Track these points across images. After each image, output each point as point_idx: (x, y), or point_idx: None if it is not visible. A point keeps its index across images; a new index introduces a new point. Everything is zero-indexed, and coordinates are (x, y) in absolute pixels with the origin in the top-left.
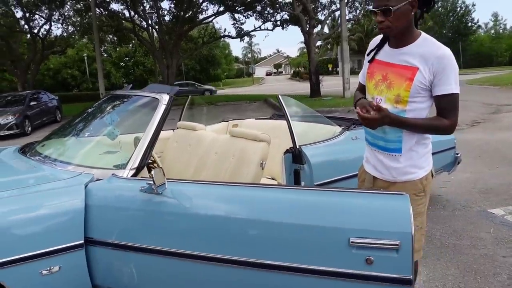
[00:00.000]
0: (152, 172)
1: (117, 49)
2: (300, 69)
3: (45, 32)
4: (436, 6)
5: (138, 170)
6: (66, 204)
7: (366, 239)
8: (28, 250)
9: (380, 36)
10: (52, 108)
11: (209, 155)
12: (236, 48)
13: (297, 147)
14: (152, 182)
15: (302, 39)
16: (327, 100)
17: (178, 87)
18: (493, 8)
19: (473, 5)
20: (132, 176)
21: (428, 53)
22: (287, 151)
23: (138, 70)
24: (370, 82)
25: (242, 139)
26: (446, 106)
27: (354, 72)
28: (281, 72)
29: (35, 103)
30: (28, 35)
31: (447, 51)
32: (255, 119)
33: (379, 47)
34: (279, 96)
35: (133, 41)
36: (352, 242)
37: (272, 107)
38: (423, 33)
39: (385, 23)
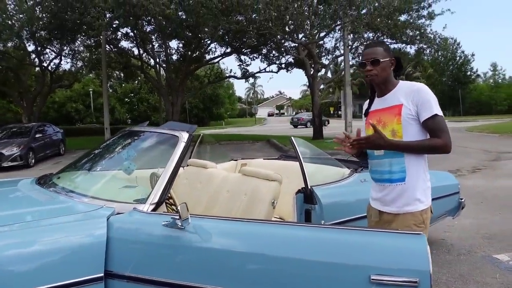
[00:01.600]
0: (179, 207)
1: (123, 85)
2: (302, 111)
3: (54, 66)
4: (436, 54)
5: (158, 205)
6: (88, 237)
7: (386, 276)
8: (49, 282)
9: (368, 100)
10: (57, 141)
11: (221, 193)
12: (240, 88)
13: (309, 187)
14: (177, 217)
15: (305, 81)
16: (329, 143)
17: (196, 125)
18: (492, 59)
19: (473, 55)
20: (152, 210)
21: (407, 90)
22: (299, 191)
23: (143, 107)
24: (368, 130)
25: (254, 178)
26: (434, 126)
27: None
28: (283, 113)
29: (40, 135)
30: (38, 68)
31: (422, 85)
32: (264, 159)
33: (370, 102)
34: (292, 138)
35: (139, 78)
36: (373, 279)
37: (275, 147)
38: (400, 81)
39: (373, 72)
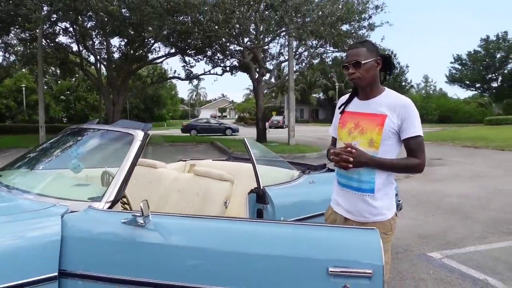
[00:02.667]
0: (141, 204)
1: (59, 82)
2: (245, 114)
3: None
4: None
5: (114, 203)
6: (41, 235)
7: (343, 268)
8: (1, 282)
9: (347, 95)
10: None
11: (172, 193)
12: (183, 89)
13: (261, 187)
14: (138, 214)
15: (248, 85)
16: (273, 146)
17: (151, 124)
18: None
19: (407, 66)
20: (107, 209)
21: (394, 103)
22: (251, 191)
23: (80, 105)
24: (342, 130)
25: (206, 178)
26: (414, 147)
27: (297, 120)
28: (226, 116)
29: None
30: None
31: (409, 101)
32: (212, 160)
33: (348, 101)
34: (245, 139)
35: (77, 75)
36: (331, 271)
37: (219, 150)
38: (386, 88)
39: (356, 74)
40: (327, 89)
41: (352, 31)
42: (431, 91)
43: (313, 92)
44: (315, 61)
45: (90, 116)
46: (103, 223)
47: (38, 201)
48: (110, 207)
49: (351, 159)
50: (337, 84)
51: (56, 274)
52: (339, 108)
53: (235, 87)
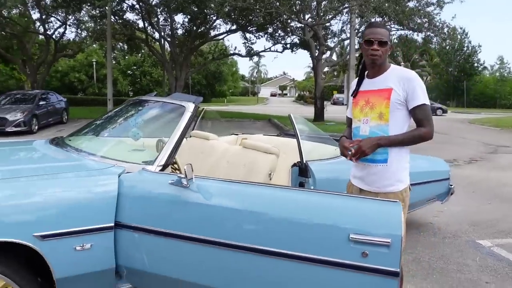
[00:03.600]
0: (185, 167)
1: (126, 57)
2: (305, 92)
3: (59, 35)
4: (444, 43)
5: (164, 167)
6: (101, 191)
7: (363, 236)
8: (66, 227)
9: (356, 80)
10: (60, 109)
11: (221, 163)
12: (243, 66)
13: (304, 161)
14: (183, 176)
15: (310, 63)
16: (329, 126)
17: (201, 97)
18: (499, 52)
19: (479, 46)
20: (158, 171)
21: (399, 76)
22: (294, 165)
23: (145, 80)
24: (355, 109)
25: (253, 150)
26: (420, 116)
27: None
28: (286, 94)
29: (44, 103)
30: (42, 36)
31: (413, 73)
32: (263, 135)
33: (359, 83)
34: (291, 115)
35: (143, 51)
36: (352, 237)
37: (275, 127)
38: (392, 65)
39: (379, 52)
40: None
41: (419, 8)
42: (505, 74)
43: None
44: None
45: (154, 90)
46: (154, 183)
47: (100, 162)
48: (161, 170)
49: (365, 150)
50: (402, 63)
51: (112, 224)
52: (351, 94)
53: (297, 64)
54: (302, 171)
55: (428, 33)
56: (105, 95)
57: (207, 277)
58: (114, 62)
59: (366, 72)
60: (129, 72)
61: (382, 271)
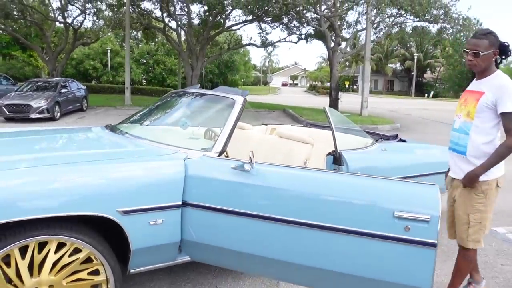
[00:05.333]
0: (250, 153)
1: (140, 46)
2: (317, 83)
3: (77, 23)
4: (458, 34)
5: (220, 154)
6: (170, 173)
7: (406, 213)
8: (143, 204)
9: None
10: (80, 97)
11: (257, 152)
12: (255, 55)
13: (338, 150)
14: (246, 161)
15: (322, 53)
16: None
17: (248, 91)
18: None
19: None
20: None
21: (493, 83)
22: (329, 153)
23: (158, 69)
24: (458, 104)
25: (289, 140)
26: (504, 124)
27: (371, 91)
28: (297, 84)
29: (65, 90)
30: (61, 24)
31: (506, 82)
32: (291, 125)
33: (469, 83)
34: (326, 108)
35: (157, 40)
36: (396, 214)
37: (291, 117)
38: (498, 71)
39: (473, 62)
40: (404, 60)
41: (436, 0)
42: None
43: (389, 62)
44: (394, 31)
45: (167, 79)
46: (216, 167)
47: (164, 148)
48: (218, 157)
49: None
50: (415, 54)
51: (180, 203)
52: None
53: (308, 55)
54: (336, 160)
55: (444, 24)
56: (119, 83)
57: (264, 248)
58: None
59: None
60: (142, 60)
61: (422, 242)
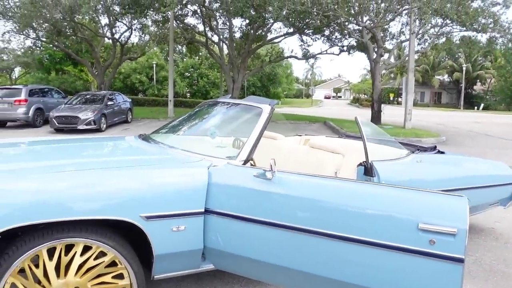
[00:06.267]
0: (271, 161)
1: (184, 60)
2: (361, 95)
3: (124, 39)
4: (510, 44)
5: (245, 162)
6: (193, 180)
7: (431, 225)
8: (166, 210)
9: None
10: (125, 109)
11: (288, 162)
12: (298, 68)
13: (369, 161)
14: (268, 169)
15: (365, 65)
16: (387, 129)
17: (276, 101)
18: None
19: None
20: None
21: None
22: (360, 164)
23: (202, 82)
24: None
25: (320, 150)
26: None
27: (416, 104)
28: (340, 96)
29: (111, 103)
30: (109, 40)
31: None
32: (326, 136)
33: None
34: (357, 118)
35: (200, 54)
36: (421, 227)
37: (331, 129)
38: None
39: None
40: (452, 71)
41: (484, 8)
42: None
43: (436, 73)
44: (440, 41)
45: (210, 92)
46: (239, 175)
47: (190, 156)
48: (242, 165)
49: None
50: (464, 65)
51: (202, 210)
52: None
53: (352, 67)
54: (367, 171)
55: (493, 33)
56: (163, 96)
57: (286, 259)
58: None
59: None
60: (186, 74)
61: (448, 257)
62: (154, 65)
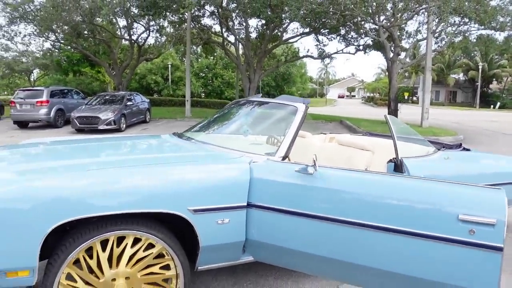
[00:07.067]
0: (314, 156)
1: (199, 60)
2: (375, 94)
3: (142, 40)
4: None
5: (283, 158)
6: (236, 175)
7: (471, 216)
8: (211, 204)
9: None
10: (144, 109)
11: (318, 159)
12: (312, 68)
13: (399, 158)
14: (310, 164)
15: (379, 64)
16: None
17: (310, 99)
18: None
19: None
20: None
21: None
22: (390, 161)
23: (216, 82)
24: None
25: (349, 147)
26: None
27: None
28: (354, 95)
29: (130, 103)
30: (126, 42)
31: None
32: (350, 134)
33: None
34: (387, 115)
35: (215, 54)
36: (461, 217)
37: (348, 128)
38: None
39: None
40: (468, 69)
41: (502, 6)
42: None
43: (451, 72)
44: (457, 39)
45: (225, 92)
46: (280, 170)
47: (230, 153)
48: (281, 161)
49: None
50: (480, 64)
51: (245, 204)
52: None
53: (365, 66)
54: (397, 167)
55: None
56: (178, 96)
57: (326, 249)
58: None
59: None
60: (201, 74)
61: (488, 246)
62: (170, 66)
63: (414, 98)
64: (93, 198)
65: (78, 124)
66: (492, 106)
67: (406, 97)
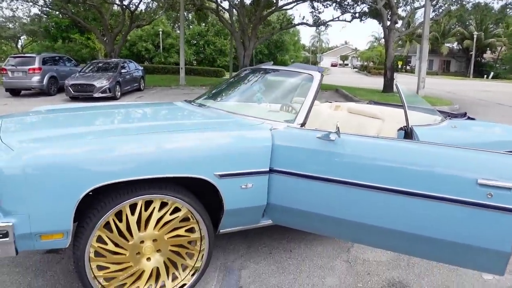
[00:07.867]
0: (337, 123)
1: (191, 27)
2: (369, 63)
3: (133, 6)
4: None
5: (302, 125)
6: (259, 141)
7: (489, 180)
8: (236, 169)
9: None
10: (138, 77)
11: (328, 127)
12: (305, 35)
13: (409, 126)
14: (333, 131)
15: (373, 32)
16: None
17: (323, 68)
18: None
19: None
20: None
21: None
22: (400, 129)
23: (209, 49)
24: None
25: (359, 115)
26: None
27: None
28: (347, 64)
29: (124, 71)
30: (118, 7)
31: None
32: (355, 102)
33: None
34: (397, 84)
35: (208, 21)
36: (480, 182)
37: (344, 97)
38: None
39: None
40: (462, 39)
41: None
42: None
43: (445, 41)
44: (453, 7)
45: (218, 59)
46: (301, 136)
47: (251, 120)
48: (301, 127)
49: None
50: (475, 33)
51: (267, 169)
52: None
53: (359, 34)
54: (407, 135)
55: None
56: (170, 64)
57: (345, 211)
58: (177, 31)
59: None
60: (193, 41)
61: (505, 208)
62: (160, 33)
63: (408, 67)
64: (124, 163)
65: (73, 92)
66: (485, 76)
67: (400, 66)
